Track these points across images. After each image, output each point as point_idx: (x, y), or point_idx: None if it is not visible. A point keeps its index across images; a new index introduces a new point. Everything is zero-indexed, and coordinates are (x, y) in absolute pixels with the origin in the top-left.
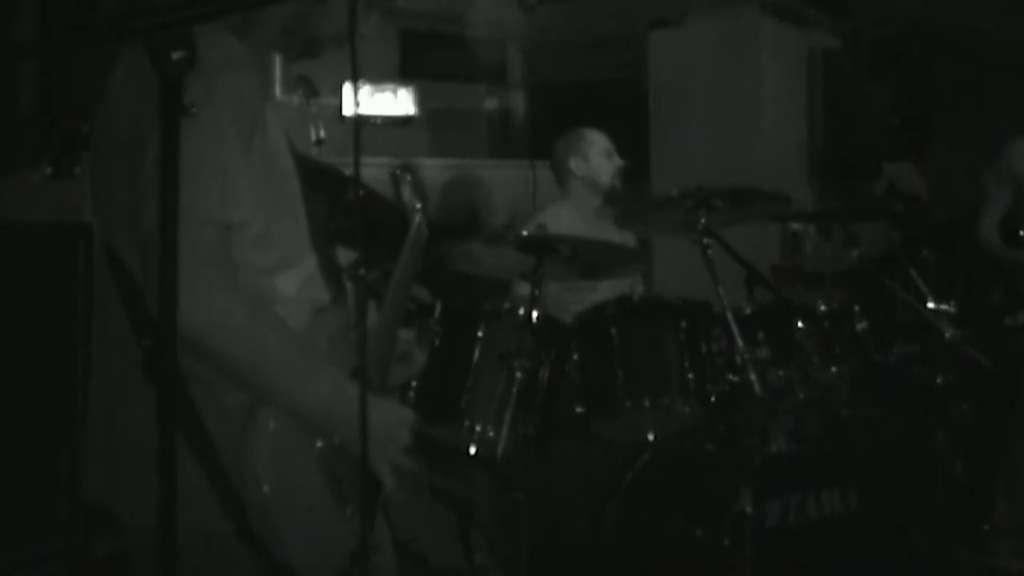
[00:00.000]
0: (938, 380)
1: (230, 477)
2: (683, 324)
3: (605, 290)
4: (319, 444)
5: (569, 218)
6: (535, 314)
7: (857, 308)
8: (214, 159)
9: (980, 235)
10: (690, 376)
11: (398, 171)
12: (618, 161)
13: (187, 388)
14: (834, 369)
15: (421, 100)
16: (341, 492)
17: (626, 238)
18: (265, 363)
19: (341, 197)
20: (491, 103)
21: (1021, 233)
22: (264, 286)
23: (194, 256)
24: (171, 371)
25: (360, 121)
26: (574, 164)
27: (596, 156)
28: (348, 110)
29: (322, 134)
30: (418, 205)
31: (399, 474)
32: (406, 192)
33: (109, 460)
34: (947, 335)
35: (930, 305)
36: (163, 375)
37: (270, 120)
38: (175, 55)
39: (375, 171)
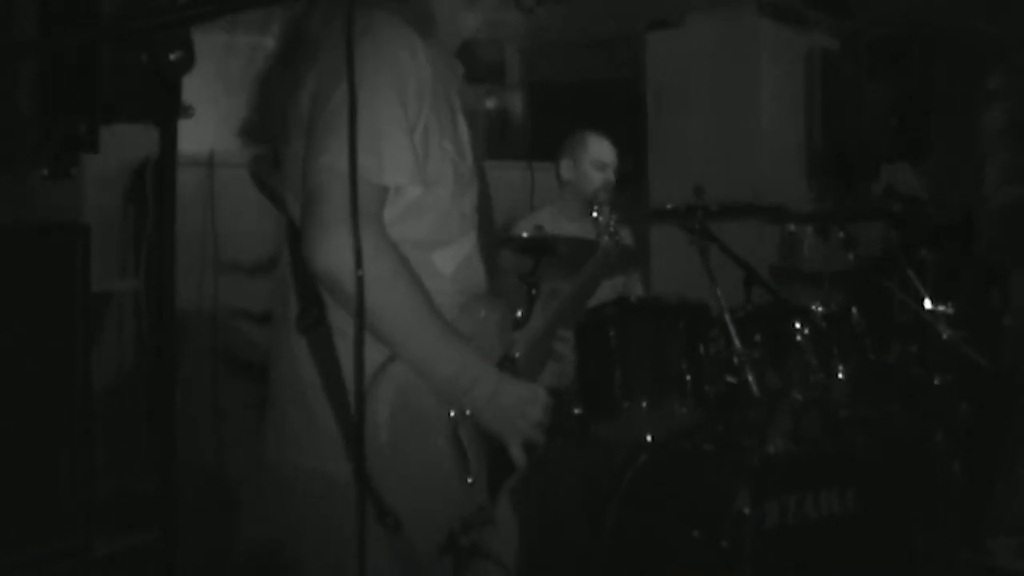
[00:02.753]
0: (936, 380)
1: (357, 424)
2: (681, 325)
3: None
4: (452, 412)
5: (556, 220)
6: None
7: (855, 309)
8: (374, 123)
9: None
10: (688, 377)
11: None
12: (609, 176)
13: (332, 339)
14: (832, 370)
15: None
16: (464, 460)
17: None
18: (396, 319)
19: None
20: (489, 103)
21: None
22: (420, 260)
23: (342, 207)
24: (169, 368)
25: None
26: (564, 166)
27: (586, 164)
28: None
29: None
30: (612, 229)
31: (531, 451)
32: (603, 215)
33: None
34: (945, 336)
35: (928, 306)
36: (159, 374)
37: (450, 95)
38: (173, 56)
39: None
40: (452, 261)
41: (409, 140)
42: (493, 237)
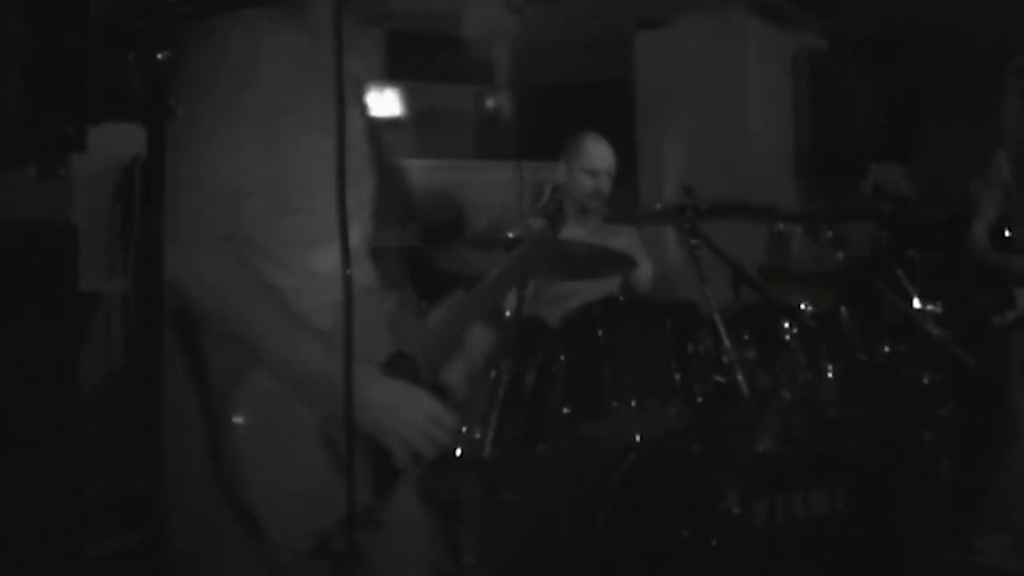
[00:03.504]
0: (925, 380)
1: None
2: (670, 325)
3: (589, 292)
4: (322, 414)
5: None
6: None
7: (844, 308)
8: (226, 132)
9: (971, 242)
10: (677, 377)
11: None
12: (601, 184)
13: (201, 339)
14: (821, 369)
15: (407, 101)
16: (338, 458)
17: (627, 235)
18: (246, 323)
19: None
20: (478, 104)
21: (1007, 234)
22: (292, 259)
23: (183, 215)
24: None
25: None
26: (560, 169)
27: (578, 170)
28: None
29: None
30: (546, 222)
31: (412, 454)
32: (548, 207)
33: None
34: (934, 335)
35: (917, 305)
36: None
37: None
38: (160, 55)
39: None
40: (332, 258)
41: (256, 144)
42: (479, 234)
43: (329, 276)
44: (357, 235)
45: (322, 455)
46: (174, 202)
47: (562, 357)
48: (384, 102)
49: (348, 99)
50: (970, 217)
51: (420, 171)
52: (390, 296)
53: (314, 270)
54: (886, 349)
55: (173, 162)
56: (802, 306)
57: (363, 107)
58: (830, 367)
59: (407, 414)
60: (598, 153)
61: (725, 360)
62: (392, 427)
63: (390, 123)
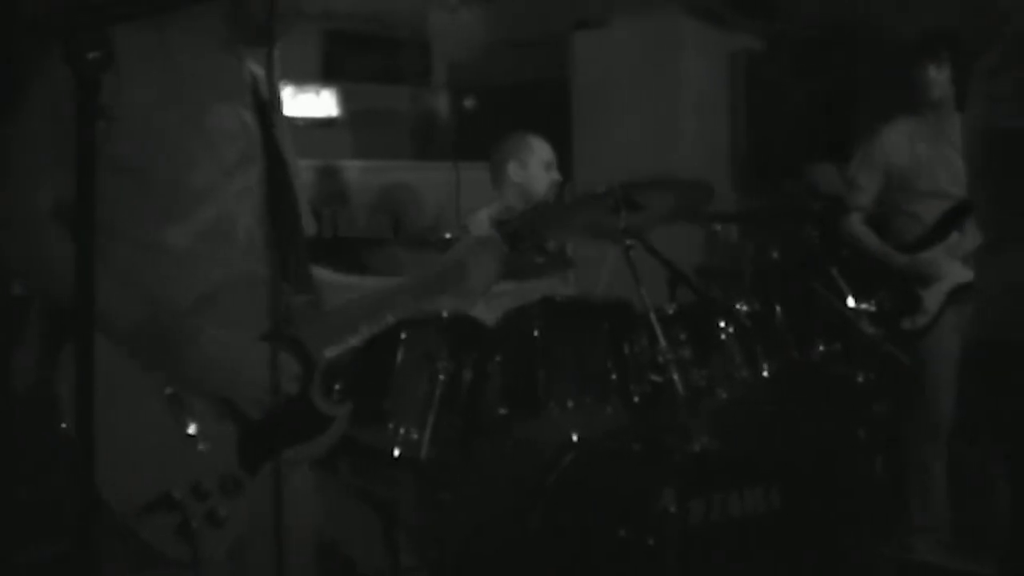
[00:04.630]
0: (859, 378)
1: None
2: (605, 325)
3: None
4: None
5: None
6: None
7: (779, 307)
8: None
9: (847, 229)
10: (613, 376)
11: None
12: (555, 175)
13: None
14: (757, 368)
15: (344, 101)
16: (180, 410)
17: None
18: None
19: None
20: (414, 104)
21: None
22: (143, 238)
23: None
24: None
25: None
26: (512, 169)
27: (535, 165)
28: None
29: None
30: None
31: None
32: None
33: None
34: (868, 333)
35: (851, 304)
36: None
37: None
38: (91, 55)
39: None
40: (187, 235)
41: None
42: (415, 235)
43: (185, 252)
44: (243, 224)
45: (168, 421)
46: None
47: (498, 357)
48: (319, 103)
49: (221, 93)
50: (846, 204)
51: (356, 172)
52: (280, 287)
53: (168, 247)
54: (821, 348)
55: None
56: (737, 305)
57: (248, 100)
58: (765, 366)
59: (247, 371)
60: (546, 147)
61: (661, 360)
62: (233, 385)
63: (325, 123)
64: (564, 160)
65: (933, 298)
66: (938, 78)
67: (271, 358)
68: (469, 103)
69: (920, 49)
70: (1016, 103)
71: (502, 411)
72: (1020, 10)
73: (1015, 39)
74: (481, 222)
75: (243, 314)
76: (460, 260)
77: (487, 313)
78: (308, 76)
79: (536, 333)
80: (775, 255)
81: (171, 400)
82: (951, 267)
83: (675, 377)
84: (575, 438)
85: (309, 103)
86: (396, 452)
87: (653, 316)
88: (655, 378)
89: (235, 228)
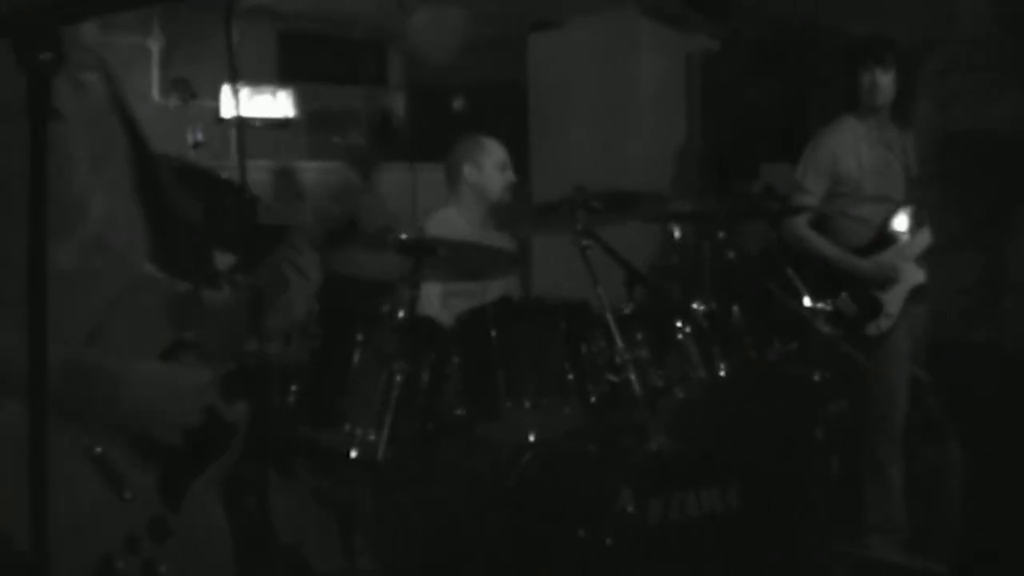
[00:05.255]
0: (816, 377)
1: None
2: (563, 325)
3: (494, 293)
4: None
5: (455, 222)
6: (414, 316)
7: (736, 307)
8: None
9: (792, 231)
10: (570, 377)
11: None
12: (510, 176)
13: None
14: (714, 368)
15: (300, 102)
16: (114, 474)
17: (504, 240)
18: None
19: (217, 200)
20: (370, 105)
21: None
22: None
23: None
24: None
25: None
26: (467, 170)
27: (490, 167)
28: (227, 112)
29: (200, 137)
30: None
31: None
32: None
33: None
34: (824, 333)
35: (807, 303)
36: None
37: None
38: (43, 56)
39: (254, 174)
40: (73, 252)
41: None
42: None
43: (72, 273)
44: (123, 220)
45: (91, 474)
46: None
47: (456, 358)
48: (274, 103)
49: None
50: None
51: (312, 172)
52: (175, 284)
53: (58, 267)
54: (777, 347)
55: None
56: (694, 305)
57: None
58: (722, 366)
59: (170, 403)
60: (499, 148)
61: (618, 360)
62: (157, 422)
63: (280, 124)
64: (521, 161)
65: (894, 301)
66: (883, 81)
67: (197, 374)
68: (459, 104)
69: (866, 52)
70: (964, 105)
71: (460, 412)
72: (967, 11)
73: (961, 41)
74: (441, 222)
75: (148, 329)
76: None
77: (444, 314)
78: (264, 77)
79: (493, 334)
80: (732, 255)
81: (99, 460)
82: (907, 269)
83: (632, 377)
84: (533, 439)
85: (265, 104)
86: (353, 453)
87: (610, 316)
88: (612, 378)
89: (116, 229)
